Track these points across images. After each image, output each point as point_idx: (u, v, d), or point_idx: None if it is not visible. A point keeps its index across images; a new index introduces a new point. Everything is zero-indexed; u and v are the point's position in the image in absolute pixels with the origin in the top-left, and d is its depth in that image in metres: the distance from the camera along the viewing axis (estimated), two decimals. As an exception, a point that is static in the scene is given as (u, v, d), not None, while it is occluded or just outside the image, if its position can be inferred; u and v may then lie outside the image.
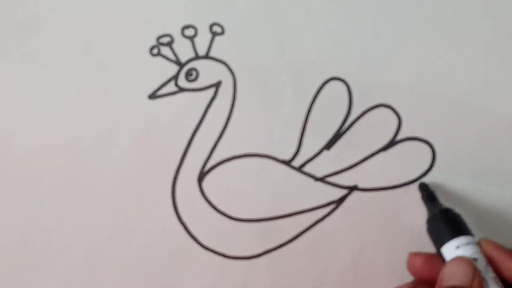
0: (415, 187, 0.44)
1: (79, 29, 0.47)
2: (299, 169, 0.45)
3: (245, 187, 0.44)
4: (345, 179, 0.44)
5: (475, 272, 0.33)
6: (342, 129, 0.45)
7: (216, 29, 0.47)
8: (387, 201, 0.44)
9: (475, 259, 0.35)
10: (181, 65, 0.46)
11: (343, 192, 0.44)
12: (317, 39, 0.46)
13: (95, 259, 0.43)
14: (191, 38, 0.47)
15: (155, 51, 0.46)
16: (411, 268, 0.38)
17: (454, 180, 0.44)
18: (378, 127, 0.45)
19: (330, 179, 0.44)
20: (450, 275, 0.34)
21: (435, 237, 0.39)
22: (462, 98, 0.45)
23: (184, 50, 0.46)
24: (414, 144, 0.44)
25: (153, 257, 0.43)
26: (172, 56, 0.46)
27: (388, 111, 0.45)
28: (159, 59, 0.46)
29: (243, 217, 0.44)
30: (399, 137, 0.45)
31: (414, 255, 0.38)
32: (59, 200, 0.44)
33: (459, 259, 0.34)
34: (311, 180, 0.44)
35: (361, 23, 0.46)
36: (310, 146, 0.45)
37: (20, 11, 0.47)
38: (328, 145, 0.45)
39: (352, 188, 0.44)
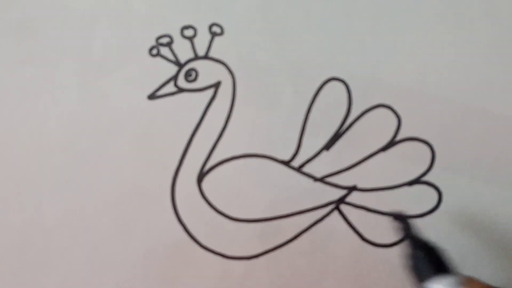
0: (413, 188, 0.44)
1: (78, 30, 0.47)
2: (299, 169, 0.45)
3: (245, 187, 0.44)
4: (345, 179, 0.44)
5: None
6: (341, 129, 0.45)
7: (216, 29, 0.47)
8: (387, 201, 0.44)
9: None
10: (180, 65, 0.46)
11: (342, 192, 0.44)
12: (316, 39, 0.46)
13: (94, 259, 0.43)
14: (191, 39, 0.47)
15: (154, 51, 0.46)
16: None
17: (454, 180, 0.44)
18: (378, 127, 0.45)
19: (330, 179, 0.44)
20: None
21: (418, 274, 0.37)
22: (462, 98, 0.45)
23: (183, 50, 0.46)
24: (414, 144, 0.44)
25: (152, 257, 0.43)
26: (171, 57, 0.46)
27: (387, 112, 0.45)
28: (158, 59, 0.46)
29: (242, 217, 0.44)
30: (399, 137, 0.45)
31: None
32: (58, 201, 0.44)
33: None
34: (310, 181, 0.44)
35: (361, 24, 0.46)
36: (310, 147, 0.45)
37: (19, 12, 0.47)
38: (328, 146, 0.45)
39: (352, 188, 0.44)
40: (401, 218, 0.41)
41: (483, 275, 0.41)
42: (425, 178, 0.44)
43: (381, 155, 0.44)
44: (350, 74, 0.45)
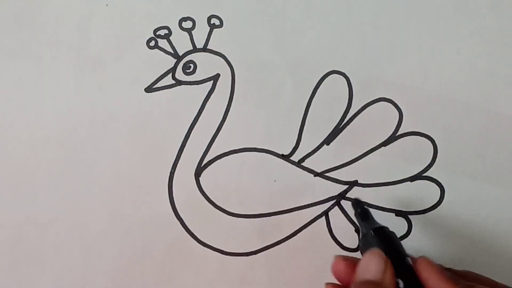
0: (415, 183, 0.43)
1: (75, 22, 0.47)
2: (298, 164, 0.44)
3: (243, 182, 0.44)
4: (345, 174, 0.44)
5: (387, 264, 0.32)
6: (342, 123, 0.45)
7: (214, 21, 0.46)
8: (388, 196, 0.43)
9: None
10: (178, 57, 0.46)
11: (343, 187, 0.44)
12: (316, 32, 0.46)
13: (90, 254, 0.43)
14: (189, 31, 0.46)
15: (152, 43, 0.46)
16: (335, 272, 0.36)
17: (456, 176, 0.43)
18: (379, 121, 0.44)
19: (330, 174, 0.44)
20: (363, 268, 0.33)
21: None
22: (464, 93, 0.45)
23: (181, 42, 0.46)
24: (416, 139, 0.44)
25: (149, 252, 0.43)
26: (169, 49, 0.46)
27: (389, 106, 0.44)
28: (156, 51, 0.46)
29: (241, 212, 0.43)
30: (400, 132, 0.44)
31: (338, 259, 0.37)
32: (54, 195, 0.44)
33: (372, 253, 0.33)
34: (310, 175, 0.44)
35: (362, 16, 0.46)
36: (310, 141, 0.44)
37: (16, 4, 0.47)
38: (328, 140, 0.44)
39: (352, 184, 0.44)
40: (357, 202, 0.40)
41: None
42: (427, 174, 0.43)
43: (382, 150, 0.44)
44: (351, 67, 0.45)
